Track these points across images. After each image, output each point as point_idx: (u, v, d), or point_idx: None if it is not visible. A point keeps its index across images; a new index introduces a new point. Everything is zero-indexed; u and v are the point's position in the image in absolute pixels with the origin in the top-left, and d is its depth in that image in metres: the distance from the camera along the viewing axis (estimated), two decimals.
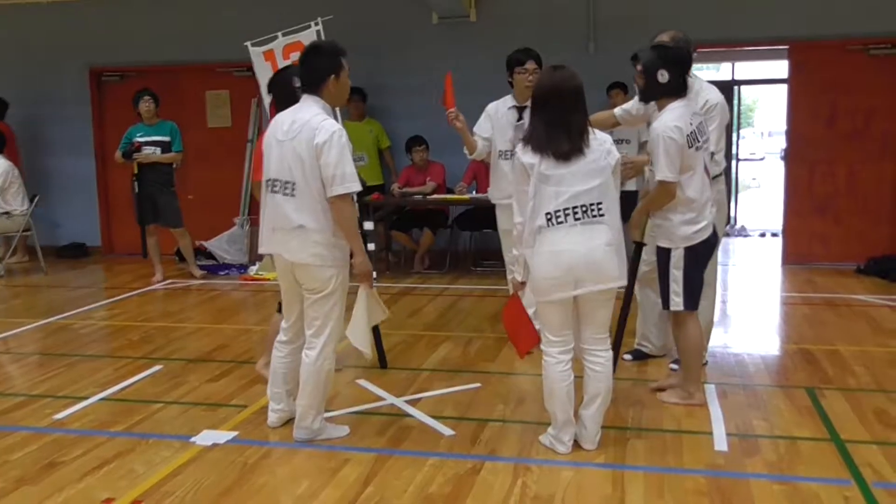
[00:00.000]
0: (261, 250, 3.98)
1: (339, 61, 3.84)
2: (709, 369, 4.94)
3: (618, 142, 8.79)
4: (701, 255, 4.19)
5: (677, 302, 4.18)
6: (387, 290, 7.60)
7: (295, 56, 7.91)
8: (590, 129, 3.59)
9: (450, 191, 8.59)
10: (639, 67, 4.15)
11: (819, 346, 5.45)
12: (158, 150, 8.06)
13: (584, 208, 3.52)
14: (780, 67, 10.56)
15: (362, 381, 4.82)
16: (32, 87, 10.11)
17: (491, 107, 5.56)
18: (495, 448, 3.82)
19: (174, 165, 8.26)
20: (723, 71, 13.32)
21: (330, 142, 3.66)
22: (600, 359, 3.70)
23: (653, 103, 4.26)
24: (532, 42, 8.58)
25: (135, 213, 8.25)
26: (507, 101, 5.52)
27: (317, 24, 7.88)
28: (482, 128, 5.55)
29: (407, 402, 4.45)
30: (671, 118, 4.04)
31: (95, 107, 10.19)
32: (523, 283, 3.75)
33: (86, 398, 4.61)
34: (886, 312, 6.47)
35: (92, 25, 9.86)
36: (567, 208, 3.52)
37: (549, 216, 3.52)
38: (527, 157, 3.56)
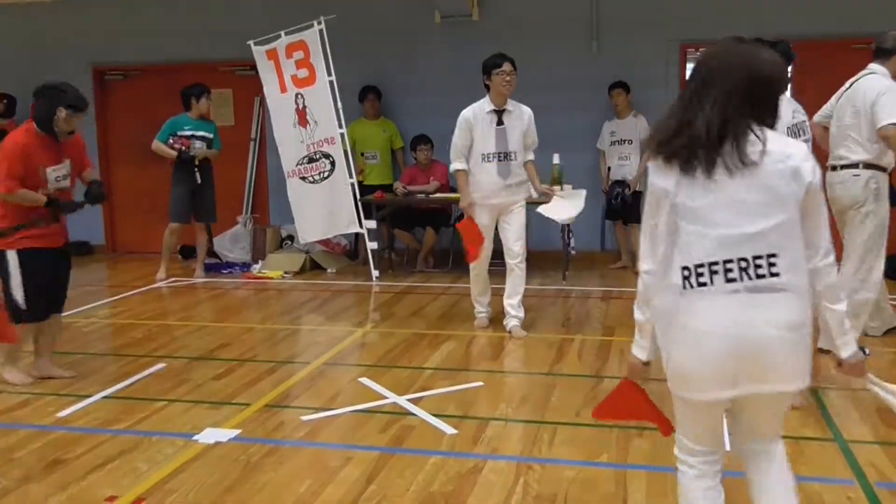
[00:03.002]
0: None
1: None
2: None
3: (620, 142, 8.90)
4: None
5: None
6: (390, 288, 7.61)
7: (298, 55, 8.01)
8: (765, 135, 2.26)
9: (452, 190, 8.58)
10: None
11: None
12: (205, 144, 8.09)
13: (744, 263, 2.21)
14: None
15: (364, 380, 4.82)
16: (36, 86, 10.09)
17: (468, 113, 5.72)
18: (497, 447, 3.82)
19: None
20: None
21: None
22: (769, 463, 2.55)
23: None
24: (535, 41, 8.70)
25: (178, 208, 8.12)
26: (485, 105, 5.71)
27: (319, 23, 7.92)
28: (463, 142, 5.71)
29: (409, 400, 4.45)
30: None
31: (99, 105, 10.19)
32: (647, 365, 2.52)
33: (89, 396, 4.62)
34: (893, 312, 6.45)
35: (95, 24, 9.88)
36: (716, 262, 2.22)
37: (687, 273, 2.25)
38: (659, 176, 2.32)
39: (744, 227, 2.21)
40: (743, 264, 2.21)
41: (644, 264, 2.42)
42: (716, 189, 2.23)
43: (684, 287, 2.25)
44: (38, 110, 4.70)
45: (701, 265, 2.24)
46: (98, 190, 4.97)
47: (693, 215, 2.25)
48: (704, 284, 2.23)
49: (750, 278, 2.21)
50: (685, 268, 2.26)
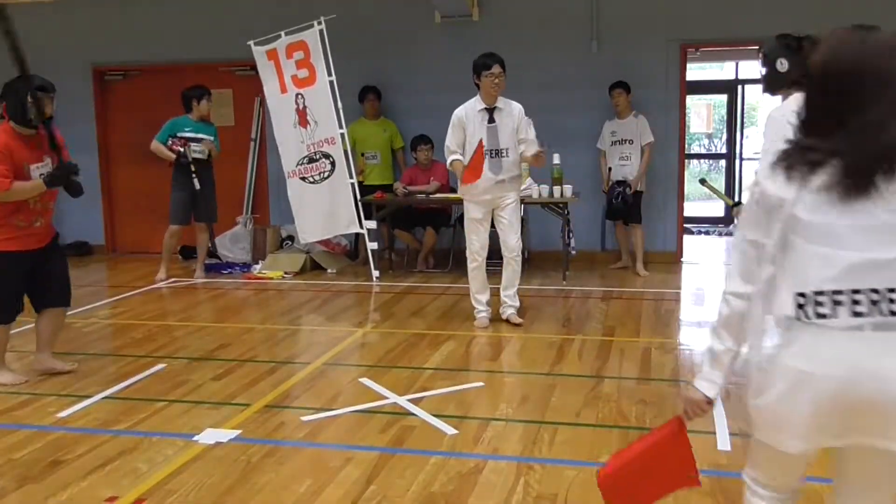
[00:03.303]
0: None
1: None
2: None
3: (620, 142, 8.88)
4: None
5: None
6: (390, 288, 7.61)
7: (298, 55, 8.02)
8: None
9: (452, 190, 8.59)
10: (760, 56, 4.08)
11: None
12: (205, 147, 8.09)
13: (876, 296, 1.87)
14: None
15: (365, 380, 4.82)
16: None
17: (461, 111, 5.93)
18: (498, 447, 3.82)
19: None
20: (726, 70, 13.30)
21: None
22: None
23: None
24: (534, 41, 8.70)
25: (177, 211, 8.10)
26: (476, 104, 5.91)
27: (319, 23, 7.92)
28: (457, 139, 5.91)
29: (409, 400, 4.45)
30: (792, 105, 3.23)
31: (98, 105, 10.20)
32: (710, 404, 2.19)
33: (89, 396, 4.62)
34: None
35: (94, 24, 9.88)
36: (841, 291, 1.88)
37: (802, 301, 1.91)
38: (775, 183, 1.97)
39: (876, 253, 1.87)
40: (874, 296, 1.86)
41: (735, 286, 2.06)
42: (849, 205, 1.88)
43: (797, 318, 1.91)
44: (9, 106, 4.69)
45: (821, 293, 1.89)
46: (80, 187, 4.95)
47: (815, 232, 1.90)
48: (824, 316, 1.88)
49: (882, 314, 1.85)
50: (801, 294, 1.90)
